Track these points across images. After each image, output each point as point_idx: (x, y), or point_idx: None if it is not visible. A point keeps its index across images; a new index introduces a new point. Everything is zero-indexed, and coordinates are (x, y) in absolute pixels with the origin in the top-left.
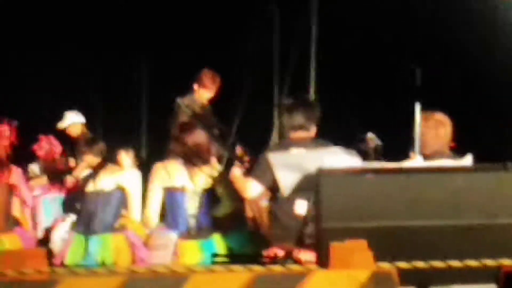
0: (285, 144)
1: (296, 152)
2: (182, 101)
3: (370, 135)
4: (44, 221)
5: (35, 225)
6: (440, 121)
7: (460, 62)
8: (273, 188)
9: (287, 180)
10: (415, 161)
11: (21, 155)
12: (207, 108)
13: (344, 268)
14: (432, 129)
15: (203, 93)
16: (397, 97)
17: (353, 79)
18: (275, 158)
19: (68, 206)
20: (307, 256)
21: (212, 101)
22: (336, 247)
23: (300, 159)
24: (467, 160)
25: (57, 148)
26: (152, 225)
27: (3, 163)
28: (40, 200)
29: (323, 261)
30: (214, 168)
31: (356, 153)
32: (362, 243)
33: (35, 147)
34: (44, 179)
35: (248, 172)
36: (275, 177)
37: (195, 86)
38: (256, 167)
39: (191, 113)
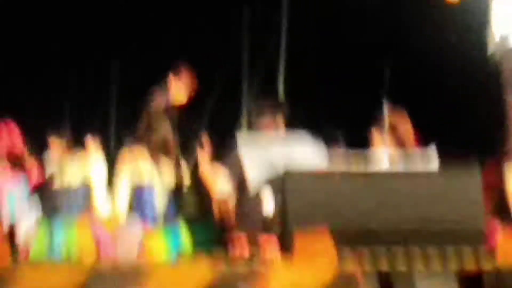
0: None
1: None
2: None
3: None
4: (8, 216)
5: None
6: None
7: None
8: (240, 184)
9: (254, 170)
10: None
11: None
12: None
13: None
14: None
15: (178, 85)
16: (366, 95)
17: (322, 76)
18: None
19: (33, 201)
20: (272, 244)
21: (189, 95)
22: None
23: (269, 144)
24: (431, 150)
25: (18, 137)
26: (121, 220)
27: None
28: (4, 194)
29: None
30: (180, 164)
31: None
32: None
33: None
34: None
35: (212, 159)
36: (243, 169)
37: (171, 77)
38: (225, 163)
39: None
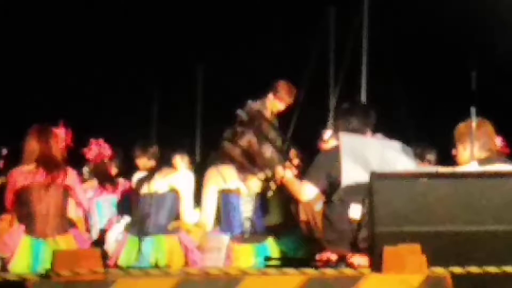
0: (338, 148)
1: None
2: (249, 108)
3: (429, 157)
4: (98, 223)
5: (89, 226)
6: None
7: None
8: (327, 191)
9: (349, 169)
10: (470, 166)
11: (75, 158)
12: (274, 118)
13: (397, 272)
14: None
15: (277, 104)
16: (453, 101)
17: (407, 80)
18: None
19: (122, 208)
20: (360, 260)
21: (284, 112)
22: (390, 251)
23: (364, 146)
24: None
25: (106, 151)
26: (208, 227)
27: (59, 165)
28: (93, 202)
29: (376, 265)
30: (266, 174)
31: (412, 153)
32: (416, 247)
33: (85, 149)
34: (94, 182)
35: (301, 176)
36: (341, 166)
37: (270, 95)
38: (310, 169)
39: (258, 118)
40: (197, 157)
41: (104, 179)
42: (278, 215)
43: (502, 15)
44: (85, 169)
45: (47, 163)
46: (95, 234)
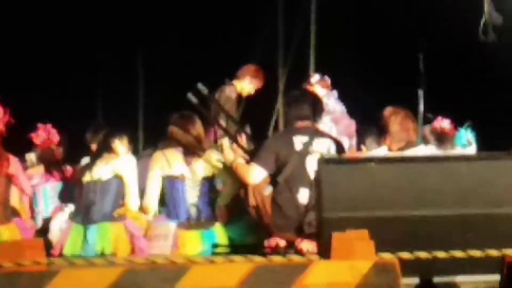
0: (289, 131)
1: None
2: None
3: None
4: (44, 211)
5: (33, 214)
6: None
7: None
8: (274, 175)
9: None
10: (418, 150)
11: (18, 144)
12: (233, 102)
13: (346, 258)
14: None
15: (246, 87)
16: (400, 83)
17: (353, 63)
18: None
19: (66, 195)
20: (309, 246)
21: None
22: (338, 237)
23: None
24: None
25: (54, 137)
26: (152, 213)
27: (0, 153)
28: (39, 189)
29: (324, 252)
30: (212, 156)
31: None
32: (364, 233)
33: (32, 135)
34: (41, 168)
35: (250, 161)
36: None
37: (238, 79)
38: (259, 151)
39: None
40: (140, 144)
41: (51, 166)
42: (228, 196)
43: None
44: (31, 155)
45: None
46: (40, 222)
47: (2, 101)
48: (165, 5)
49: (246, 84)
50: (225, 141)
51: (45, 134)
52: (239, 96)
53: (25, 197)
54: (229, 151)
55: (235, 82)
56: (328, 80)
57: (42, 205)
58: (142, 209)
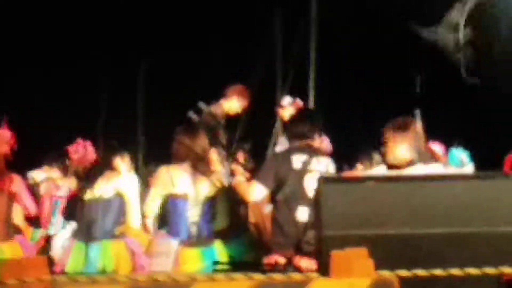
0: (288, 150)
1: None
2: (209, 108)
3: (376, 158)
4: (59, 223)
5: (47, 224)
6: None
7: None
8: (274, 193)
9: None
10: (415, 169)
11: (22, 161)
12: (219, 121)
13: (345, 276)
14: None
15: (232, 106)
16: (398, 104)
17: (352, 82)
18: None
19: (68, 213)
20: (308, 263)
21: (241, 114)
22: (337, 255)
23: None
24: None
25: (91, 155)
26: (150, 229)
27: (2, 171)
28: (62, 201)
29: (324, 269)
30: (217, 176)
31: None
32: (363, 251)
33: (70, 149)
34: (73, 182)
35: (251, 179)
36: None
37: (225, 98)
38: (260, 169)
39: (214, 121)
40: (140, 161)
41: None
42: (224, 222)
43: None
44: (33, 174)
45: None
46: (53, 231)
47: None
48: (167, 18)
49: (233, 103)
50: (213, 154)
51: (83, 151)
52: (227, 115)
53: (45, 205)
54: (217, 164)
55: (222, 101)
56: (299, 102)
57: (60, 218)
58: (142, 225)
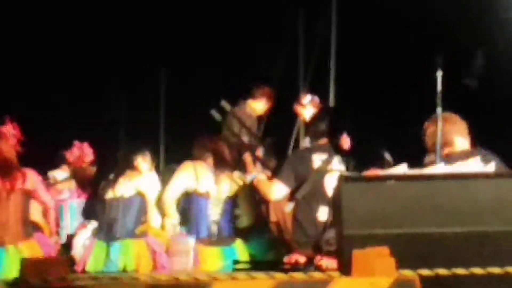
0: (309, 149)
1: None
2: (233, 109)
3: (387, 157)
4: (68, 226)
5: (58, 229)
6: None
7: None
8: (294, 192)
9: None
10: (437, 167)
11: (44, 161)
12: (254, 120)
13: (366, 275)
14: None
15: (257, 107)
16: (420, 102)
17: (373, 82)
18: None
19: (89, 212)
20: (329, 263)
21: (265, 114)
22: (358, 254)
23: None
24: (490, 167)
25: (88, 156)
26: (173, 230)
27: (14, 168)
28: (66, 204)
29: (345, 268)
30: (239, 177)
31: None
32: (384, 250)
33: (67, 152)
34: (72, 184)
35: (272, 177)
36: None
37: (250, 100)
38: (281, 168)
39: (239, 122)
40: (161, 161)
41: (82, 183)
42: (246, 221)
43: (468, 15)
44: (54, 173)
45: (2, 168)
46: (64, 237)
47: (23, 121)
48: (187, 25)
49: (261, 105)
50: (247, 156)
51: (79, 152)
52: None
53: (51, 210)
54: (251, 165)
55: (250, 101)
56: (317, 100)
57: (68, 221)
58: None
